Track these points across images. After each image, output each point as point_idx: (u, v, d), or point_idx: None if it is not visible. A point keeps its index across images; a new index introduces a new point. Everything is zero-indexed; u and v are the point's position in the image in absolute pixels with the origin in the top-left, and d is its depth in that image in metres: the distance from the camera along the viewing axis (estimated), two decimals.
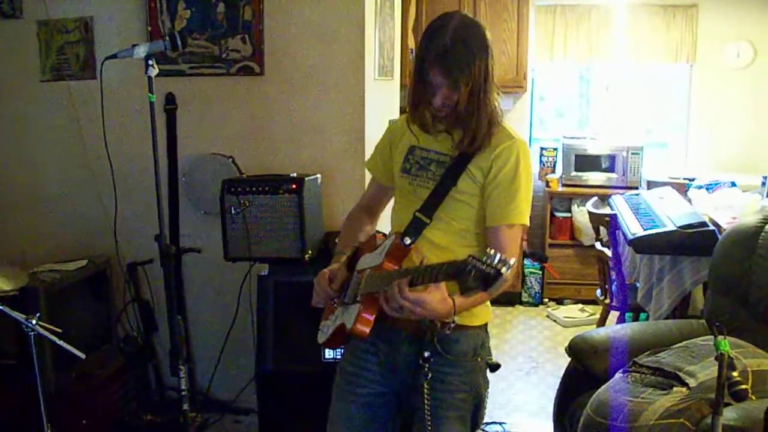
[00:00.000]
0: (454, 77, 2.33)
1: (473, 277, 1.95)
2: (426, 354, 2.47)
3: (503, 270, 1.91)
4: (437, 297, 2.20)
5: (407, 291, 2.18)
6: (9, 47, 4.59)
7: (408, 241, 2.46)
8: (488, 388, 2.66)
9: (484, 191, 2.48)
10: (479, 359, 2.59)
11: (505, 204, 2.44)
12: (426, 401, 2.47)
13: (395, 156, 2.68)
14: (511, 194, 2.45)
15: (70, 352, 3.03)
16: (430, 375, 2.48)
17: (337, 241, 2.88)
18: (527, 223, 2.50)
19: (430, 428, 2.48)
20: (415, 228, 2.49)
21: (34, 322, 2.94)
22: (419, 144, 2.58)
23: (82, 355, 3.05)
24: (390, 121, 2.80)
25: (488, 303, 2.61)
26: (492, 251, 1.96)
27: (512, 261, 1.94)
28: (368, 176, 2.91)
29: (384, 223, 2.96)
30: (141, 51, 3.09)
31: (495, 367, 2.66)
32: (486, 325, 2.64)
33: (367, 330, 2.45)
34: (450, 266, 2.07)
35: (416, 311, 2.19)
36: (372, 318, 2.45)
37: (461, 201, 2.49)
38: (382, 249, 2.53)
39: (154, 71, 3.08)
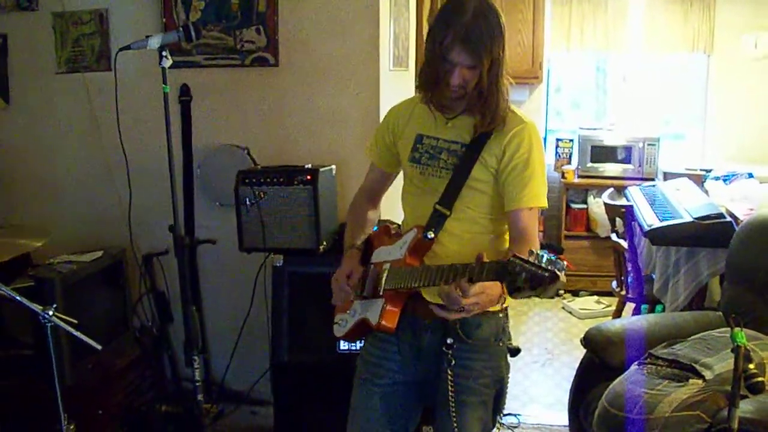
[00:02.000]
0: (477, 54, 2.33)
1: (523, 279, 1.93)
2: (449, 341, 2.49)
3: (558, 271, 1.90)
4: (490, 284, 2.17)
5: (470, 289, 2.12)
6: (25, 39, 4.61)
7: (431, 235, 2.48)
8: (509, 372, 2.68)
9: (498, 177, 2.48)
10: (501, 344, 2.61)
11: (522, 187, 2.45)
12: (450, 387, 2.49)
13: (400, 144, 2.67)
14: (527, 177, 2.45)
15: (87, 343, 3.03)
16: (453, 361, 2.50)
17: (346, 226, 2.88)
18: (545, 204, 2.51)
19: (453, 414, 2.50)
20: (437, 221, 2.50)
21: (50, 313, 2.94)
22: (427, 132, 2.58)
23: (99, 347, 3.06)
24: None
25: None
26: (537, 251, 1.94)
27: (564, 263, 1.93)
28: None
29: (385, 208, 2.95)
30: (155, 42, 3.10)
31: (515, 352, 2.67)
32: (506, 309, 2.65)
33: (393, 325, 2.49)
34: (492, 266, 2.06)
35: (479, 303, 2.17)
36: (397, 312, 2.49)
37: (477, 189, 2.49)
38: (403, 243, 2.54)
39: (167, 62, 3.09)
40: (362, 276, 2.63)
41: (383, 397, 2.64)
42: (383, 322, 2.48)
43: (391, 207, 2.91)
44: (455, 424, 2.49)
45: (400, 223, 2.78)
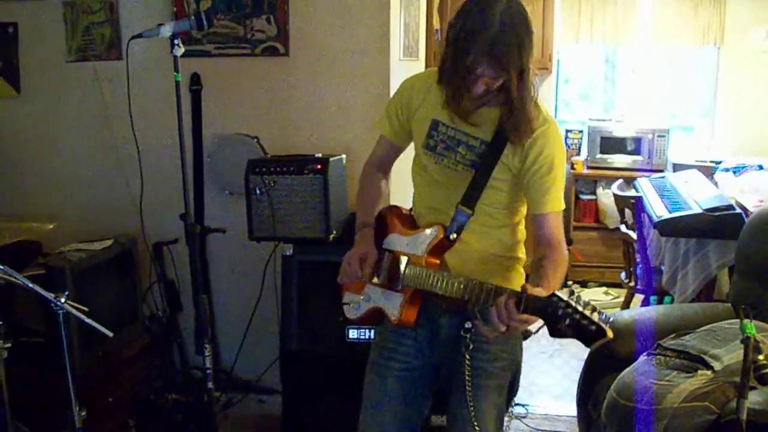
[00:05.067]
0: (504, 67, 2.23)
1: (566, 325, 2.00)
2: (467, 325, 2.50)
3: (604, 325, 1.96)
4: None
5: (517, 313, 2.14)
6: (35, 28, 4.62)
7: (453, 236, 2.48)
8: (522, 355, 2.71)
9: (520, 177, 2.46)
10: None
11: (545, 192, 2.45)
12: (467, 371, 2.51)
13: (414, 124, 2.62)
14: (550, 181, 2.44)
15: (98, 330, 3.03)
16: (471, 346, 2.51)
17: (356, 202, 2.82)
18: (564, 206, 2.53)
19: (470, 398, 2.51)
20: (460, 221, 2.49)
21: (63, 300, 2.95)
22: (443, 120, 2.50)
23: (110, 334, 3.05)
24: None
25: (523, 273, 2.65)
26: (579, 295, 2.02)
27: (611, 318, 1.99)
28: None
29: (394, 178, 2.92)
30: (167, 30, 3.08)
31: (527, 335, 2.68)
32: None
33: (413, 321, 2.52)
34: (535, 302, 2.09)
35: (521, 328, 2.21)
36: (417, 309, 2.51)
37: (496, 188, 2.48)
38: (423, 240, 2.52)
39: (179, 50, 3.07)
40: (376, 261, 2.61)
41: (397, 381, 2.66)
42: (404, 319, 2.50)
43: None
44: (471, 410, 2.51)
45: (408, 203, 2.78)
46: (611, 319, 1.97)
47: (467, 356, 2.51)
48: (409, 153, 2.76)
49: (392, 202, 2.83)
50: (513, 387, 2.68)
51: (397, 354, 2.65)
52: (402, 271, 2.51)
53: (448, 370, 2.62)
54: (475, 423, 2.52)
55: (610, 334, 1.96)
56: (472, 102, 2.39)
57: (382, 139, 2.78)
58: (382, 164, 2.82)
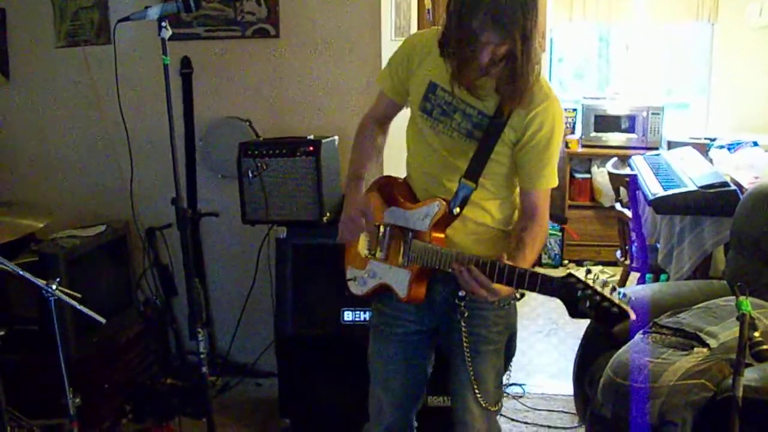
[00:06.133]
0: (510, 32, 2.18)
1: (588, 307, 2.04)
2: (461, 293, 2.51)
3: (629, 308, 1.99)
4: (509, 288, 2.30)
5: (489, 283, 2.26)
6: (24, 14, 4.58)
7: (457, 210, 2.48)
8: (517, 315, 2.74)
9: (515, 149, 2.46)
10: None
11: (540, 168, 2.45)
12: (464, 338, 2.55)
13: (412, 83, 2.59)
14: (546, 158, 2.45)
15: (91, 317, 3.03)
16: (466, 313, 2.54)
17: (350, 153, 2.77)
18: (557, 183, 2.52)
19: (469, 363, 2.55)
20: (463, 195, 2.48)
21: (54, 287, 2.93)
22: (442, 83, 2.47)
23: (102, 320, 3.05)
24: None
25: None
26: (597, 275, 2.06)
27: (628, 295, 2.03)
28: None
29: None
30: (154, 12, 3.06)
31: (520, 296, 2.70)
32: None
33: (422, 297, 2.55)
34: (551, 283, 2.18)
35: (490, 298, 2.32)
36: (425, 285, 2.54)
37: (497, 161, 2.48)
38: (425, 215, 2.51)
39: (167, 33, 3.05)
40: (376, 234, 2.61)
41: (400, 345, 2.71)
42: (413, 296, 2.53)
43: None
44: (471, 374, 2.55)
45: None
46: (632, 298, 1.98)
47: (463, 323, 2.54)
48: (404, 118, 2.74)
49: (386, 168, 2.82)
50: (510, 348, 2.72)
51: (398, 320, 2.69)
52: (407, 247, 2.51)
53: (446, 337, 2.67)
54: (476, 388, 2.57)
55: (632, 315, 1.98)
56: (478, 72, 2.33)
57: (382, 95, 2.75)
58: (380, 119, 2.78)
